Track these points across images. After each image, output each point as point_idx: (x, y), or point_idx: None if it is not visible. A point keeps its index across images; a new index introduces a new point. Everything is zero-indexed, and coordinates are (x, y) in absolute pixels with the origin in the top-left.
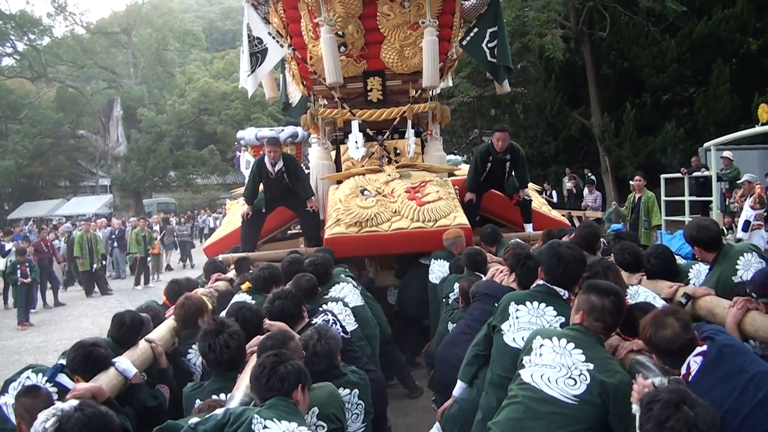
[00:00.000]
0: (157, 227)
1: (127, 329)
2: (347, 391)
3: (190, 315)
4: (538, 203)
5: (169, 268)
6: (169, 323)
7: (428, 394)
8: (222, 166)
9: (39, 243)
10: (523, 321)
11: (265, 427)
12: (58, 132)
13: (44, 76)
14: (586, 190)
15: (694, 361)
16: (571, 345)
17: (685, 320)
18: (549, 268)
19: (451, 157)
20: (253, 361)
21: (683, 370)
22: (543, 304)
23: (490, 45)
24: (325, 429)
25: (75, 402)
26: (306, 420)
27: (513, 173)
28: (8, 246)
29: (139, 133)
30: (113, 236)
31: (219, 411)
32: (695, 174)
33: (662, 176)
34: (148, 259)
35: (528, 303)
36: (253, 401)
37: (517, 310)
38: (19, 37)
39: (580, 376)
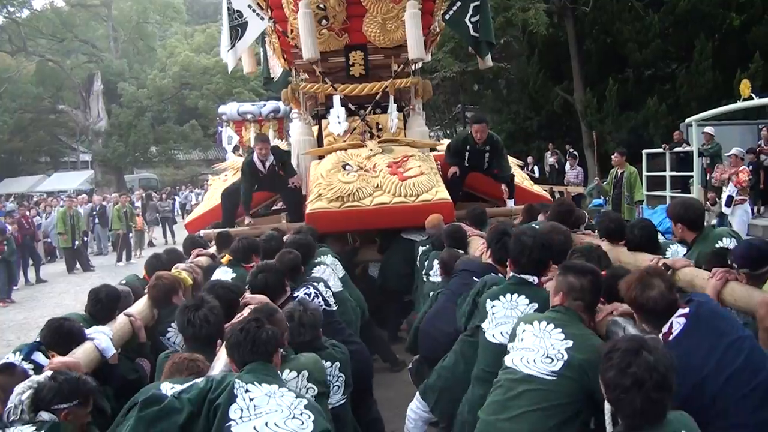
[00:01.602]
0: (138, 203)
1: (103, 305)
2: (328, 363)
3: (163, 295)
4: (520, 178)
5: (151, 244)
6: (147, 298)
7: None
8: (204, 141)
9: (21, 219)
10: (499, 316)
11: (247, 390)
12: (38, 107)
13: (24, 49)
14: (567, 166)
15: (677, 322)
16: (551, 326)
17: (670, 281)
18: (515, 259)
19: None
20: None
21: (665, 329)
22: (515, 295)
23: (473, 19)
24: (316, 391)
25: (50, 374)
26: (297, 382)
27: (492, 164)
28: None
29: (119, 108)
30: (94, 212)
31: (200, 380)
32: (676, 149)
33: (644, 151)
34: (131, 235)
35: (501, 297)
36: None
37: (493, 306)
38: None
39: (557, 354)
